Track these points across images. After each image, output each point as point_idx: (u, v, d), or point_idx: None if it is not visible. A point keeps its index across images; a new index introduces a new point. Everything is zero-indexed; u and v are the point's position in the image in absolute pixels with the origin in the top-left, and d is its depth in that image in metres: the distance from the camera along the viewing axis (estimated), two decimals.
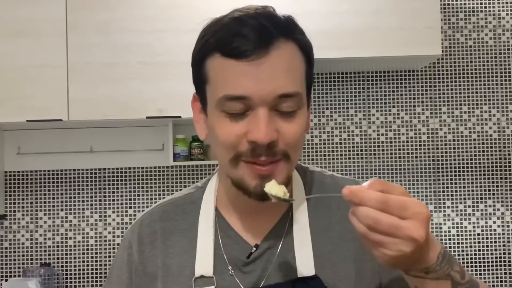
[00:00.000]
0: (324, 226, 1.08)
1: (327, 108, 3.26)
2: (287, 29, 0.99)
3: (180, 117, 2.82)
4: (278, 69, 0.96)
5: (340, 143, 3.26)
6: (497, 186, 3.25)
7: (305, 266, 1.03)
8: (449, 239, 3.23)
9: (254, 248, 1.05)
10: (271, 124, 0.95)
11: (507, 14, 3.29)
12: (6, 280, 2.99)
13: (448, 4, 3.28)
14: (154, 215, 1.14)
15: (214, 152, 1.05)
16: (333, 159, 3.25)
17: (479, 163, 3.26)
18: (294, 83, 0.98)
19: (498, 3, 3.29)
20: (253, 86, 0.94)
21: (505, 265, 3.22)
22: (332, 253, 1.06)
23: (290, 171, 1.02)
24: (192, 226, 1.09)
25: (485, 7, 3.29)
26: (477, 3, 3.29)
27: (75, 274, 3.20)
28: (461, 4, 3.29)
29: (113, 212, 3.23)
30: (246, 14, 0.98)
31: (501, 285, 3.21)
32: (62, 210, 3.23)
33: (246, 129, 0.95)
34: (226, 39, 0.96)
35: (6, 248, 3.19)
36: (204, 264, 1.05)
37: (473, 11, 3.29)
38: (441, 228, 3.24)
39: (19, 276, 3.15)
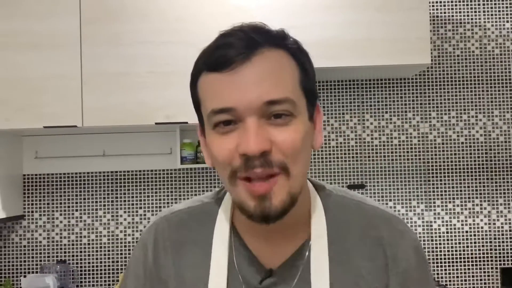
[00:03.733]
0: (343, 259, 0.98)
1: (324, 114, 3.25)
2: (274, 38, 0.91)
3: (186, 122, 2.83)
4: (263, 75, 0.87)
5: (336, 147, 3.29)
6: (483, 186, 3.27)
7: None
8: (439, 236, 3.25)
9: (269, 272, 0.97)
10: (261, 133, 0.85)
11: (492, 25, 3.32)
12: (25, 276, 3.01)
13: (437, 16, 3.31)
14: (170, 221, 1.05)
15: (218, 174, 0.95)
16: (329, 161, 3.28)
17: (467, 165, 3.28)
18: (282, 89, 0.88)
19: (484, 15, 3.32)
20: (238, 96, 0.86)
21: (491, 261, 3.24)
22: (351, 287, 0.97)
23: (293, 190, 0.89)
24: (207, 238, 1.00)
25: (472, 19, 3.33)
26: (464, 15, 3.32)
27: (89, 270, 3.23)
28: (449, 16, 3.33)
29: (125, 212, 3.26)
30: (233, 28, 0.91)
31: (488, 280, 3.23)
32: (77, 210, 3.25)
33: (237, 142, 0.87)
34: (211, 53, 0.90)
35: (24, 246, 3.22)
36: (217, 279, 0.97)
37: (460, 23, 3.33)
38: (431, 226, 3.26)
39: (36, 272, 3.17)
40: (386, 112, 3.30)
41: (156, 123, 2.88)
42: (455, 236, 3.26)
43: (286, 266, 0.97)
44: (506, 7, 3.33)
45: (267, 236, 0.98)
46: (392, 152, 3.29)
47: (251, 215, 0.89)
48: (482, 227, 3.27)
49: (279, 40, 0.92)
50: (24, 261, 3.23)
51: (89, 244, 3.25)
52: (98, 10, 2.91)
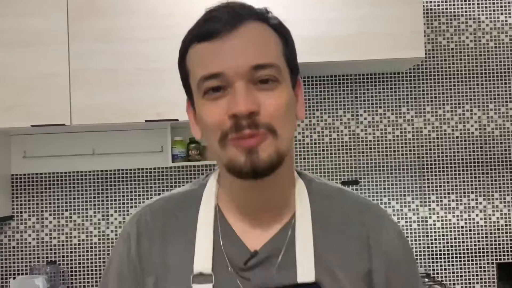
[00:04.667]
0: (326, 238, 1.02)
1: (317, 110, 3.27)
2: (257, 13, 0.98)
3: (177, 120, 2.83)
4: (249, 43, 0.94)
5: (330, 143, 3.27)
6: (479, 181, 3.26)
7: (306, 273, 0.97)
8: (434, 232, 3.24)
9: (253, 254, 0.99)
10: (249, 96, 0.91)
11: (486, 18, 3.31)
12: (14, 278, 2.98)
13: (431, 9, 3.29)
14: (153, 210, 1.07)
15: (208, 144, 0.99)
16: (323, 157, 3.26)
17: (462, 159, 3.27)
18: (267, 55, 0.94)
19: (478, 7, 3.31)
20: (226, 62, 0.92)
21: (487, 255, 3.24)
22: (334, 267, 0.99)
23: (280, 148, 0.94)
24: (192, 224, 1.02)
25: (466, 12, 3.31)
26: (458, 8, 3.31)
27: (79, 271, 3.20)
28: (443, 9, 3.30)
29: (115, 211, 3.24)
30: (219, 5, 0.97)
31: (485, 275, 3.23)
32: (66, 210, 3.23)
33: (227, 105, 0.92)
34: (199, 26, 0.96)
35: (13, 247, 3.19)
36: (202, 261, 0.98)
37: (454, 16, 3.31)
38: (426, 221, 3.25)
39: (26, 274, 3.14)
40: (380, 107, 3.29)
41: (146, 121, 2.88)
42: (450, 231, 3.26)
43: (269, 246, 1.00)
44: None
45: (252, 216, 1.01)
46: (386, 148, 3.28)
47: (241, 170, 0.93)
48: (477, 222, 3.26)
49: (262, 15, 0.98)
50: (14, 263, 3.20)
51: (79, 244, 3.22)
52: (85, 7, 2.89)
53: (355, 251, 1.01)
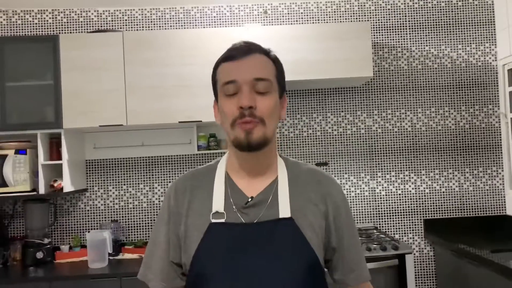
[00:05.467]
0: (297, 191, 1.11)
1: (298, 113, 3.31)
2: (262, 49, 1.09)
3: (201, 121, 2.85)
4: (254, 65, 1.05)
5: (307, 136, 3.31)
6: (411, 162, 3.31)
7: (285, 212, 1.07)
8: (380, 198, 3.29)
9: (250, 199, 1.08)
10: (251, 96, 1.02)
11: (416, 48, 3.35)
12: (89, 232, 3.03)
13: (377, 42, 3.34)
14: (186, 176, 1.17)
15: (223, 126, 1.09)
16: (302, 147, 3.30)
17: (399, 147, 3.32)
18: (265, 73, 1.05)
19: (410, 41, 3.35)
20: (239, 74, 1.04)
21: (417, 214, 3.29)
22: (302, 208, 1.08)
23: (267, 133, 1.05)
24: (210, 183, 1.12)
25: (401, 44, 3.36)
26: (395, 42, 3.35)
27: (134, 226, 3.25)
28: (385, 42, 3.35)
29: (158, 185, 3.28)
30: (239, 42, 1.10)
31: (415, 227, 3.28)
32: (124, 184, 3.27)
33: (237, 102, 1.03)
34: (226, 53, 1.09)
35: (88, 210, 3.24)
36: (218, 204, 1.08)
37: (393, 47, 3.36)
38: (374, 190, 3.30)
39: (97, 229, 3.20)
40: (342, 111, 3.33)
41: (179, 122, 2.89)
42: (391, 197, 3.30)
43: (261, 194, 1.09)
44: (426, 35, 3.35)
45: (249, 176, 1.11)
46: (346, 139, 3.32)
47: (241, 143, 1.04)
48: (410, 191, 3.31)
49: (265, 51, 1.10)
50: (88, 221, 3.24)
51: (133, 208, 3.27)
52: (135, 42, 2.92)
53: (316, 199, 1.11)
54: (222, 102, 1.06)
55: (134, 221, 3.25)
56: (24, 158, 2.87)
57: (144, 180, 3.27)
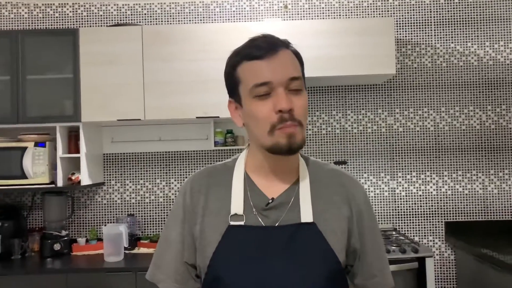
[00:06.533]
0: (319, 194, 1.06)
1: (317, 110, 3.28)
2: (285, 43, 1.03)
3: (218, 117, 2.84)
4: (287, 62, 0.99)
5: (326, 134, 3.27)
6: (433, 162, 3.24)
7: (307, 216, 1.02)
8: (400, 199, 3.24)
9: (271, 200, 1.04)
10: (288, 98, 0.96)
11: (440, 45, 3.27)
12: (105, 225, 3.07)
13: (400, 39, 3.27)
14: (202, 173, 1.12)
15: (252, 131, 1.02)
16: (321, 145, 3.27)
17: (421, 147, 3.25)
18: (297, 71, 1.00)
19: (435, 37, 3.28)
20: (272, 75, 0.97)
21: (438, 216, 3.23)
22: (325, 212, 1.04)
23: (303, 136, 1.01)
24: (228, 182, 1.07)
25: (425, 41, 3.28)
26: (419, 38, 3.28)
27: (150, 221, 3.27)
28: (408, 39, 3.28)
29: (175, 180, 3.29)
30: (258, 36, 1.03)
31: (435, 229, 3.21)
32: (141, 179, 3.29)
33: (273, 105, 0.96)
34: (250, 50, 1.00)
35: (105, 204, 3.28)
36: (237, 206, 1.03)
37: (417, 44, 3.29)
38: (394, 191, 3.25)
39: (113, 222, 3.23)
40: (363, 109, 3.28)
41: (197, 117, 2.89)
42: (412, 198, 3.24)
43: (282, 196, 1.04)
44: (451, 31, 3.27)
45: (270, 177, 1.06)
46: (366, 138, 3.27)
47: (282, 148, 0.98)
48: (431, 192, 3.24)
49: (287, 45, 1.04)
50: (105, 215, 3.28)
51: (150, 202, 3.28)
52: (154, 37, 2.92)
53: (338, 202, 1.06)
54: (252, 106, 0.99)
55: (150, 216, 3.27)
56: (43, 151, 2.91)
57: (160, 175, 3.28)
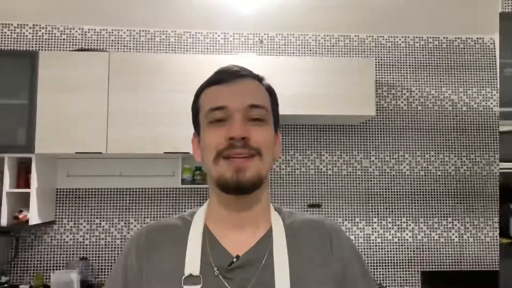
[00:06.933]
0: (298, 250, 0.89)
1: (291, 149, 3.15)
2: (255, 75, 0.94)
3: (188, 153, 2.66)
4: (248, 90, 0.89)
5: (300, 175, 3.14)
6: (409, 208, 3.16)
7: (282, 281, 0.84)
8: (375, 245, 3.11)
9: (235, 259, 0.86)
10: (244, 126, 0.85)
11: (416, 88, 3.26)
12: (53, 271, 2.74)
13: (376, 81, 3.23)
14: (151, 228, 0.94)
15: (204, 163, 0.90)
16: (294, 186, 3.12)
17: (397, 191, 3.17)
18: (260, 100, 0.89)
19: (410, 80, 3.26)
20: (230, 100, 0.86)
21: (414, 265, 3.11)
22: (304, 274, 0.87)
23: (262, 170, 0.86)
24: (183, 237, 0.90)
25: (401, 83, 3.26)
26: (395, 80, 3.25)
27: (104, 266, 2.97)
28: (384, 81, 3.25)
29: (135, 220, 3.03)
30: (228, 65, 0.94)
31: (411, 279, 3.09)
32: (97, 218, 3.01)
33: (226, 132, 0.84)
34: (212, 77, 0.92)
35: (54, 245, 2.95)
36: (192, 265, 0.86)
37: (392, 86, 3.26)
38: (369, 237, 3.12)
39: (63, 267, 2.90)
40: (338, 150, 3.17)
41: (165, 152, 2.70)
42: (387, 245, 3.12)
43: (250, 253, 0.88)
44: (426, 75, 3.27)
45: (235, 229, 0.90)
46: (341, 180, 3.15)
47: (228, 184, 0.85)
48: (407, 240, 3.13)
49: (258, 77, 0.94)
50: (54, 258, 2.94)
51: (105, 245, 2.99)
52: (122, 64, 2.74)
53: (320, 259, 0.90)
54: (205, 133, 0.88)
55: (105, 260, 2.97)
56: None
57: (119, 214, 3.01)
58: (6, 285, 2.66)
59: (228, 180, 0.84)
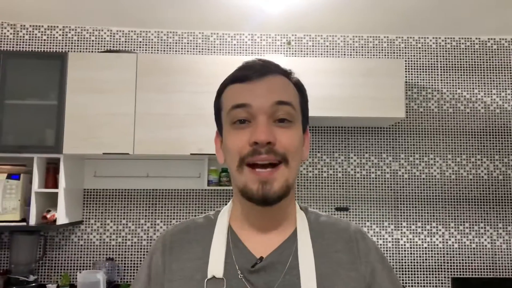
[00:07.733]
0: (324, 252, 0.86)
1: (319, 151, 3.10)
2: (282, 70, 0.88)
3: (214, 154, 2.63)
4: (274, 86, 0.83)
5: (327, 178, 3.09)
6: (439, 212, 3.07)
7: (309, 285, 0.81)
8: (404, 251, 3.04)
9: (259, 260, 0.83)
10: (269, 129, 0.79)
11: (447, 90, 3.18)
12: (80, 271, 2.75)
13: (406, 82, 3.16)
14: (177, 228, 0.93)
15: (229, 167, 0.85)
16: (322, 188, 3.07)
17: (427, 195, 3.09)
18: (288, 96, 0.83)
19: (441, 82, 3.18)
20: (253, 97, 0.81)
21: (444, 271, 3.03)
22: (332, 275, 0.84)
23: (290, 179, 0.81)
24: (208, 238, 0.88)
25: (432, 85, 3.18)
26: (425, 82, 3.18)
27: (130, 266, 2.97)
28: (414, 82, 3.18)
29: (161, 221, 3.03)
30: (253, 59, 0.88)
31: (441, 285, 3.01)
32: (124, 218, 3.02)
33: (249, 135, 0.79)
34: (236, 73, 0.86)
35: (81, 245, 2.97)
36: (215, 267, 0.83)
37: (423, 88, 3.18)
38: (398, 242, 3.05)
39: (89, 267, 2.92)
40: (366, 152, 3.11)
41: (191, 154, 2.68)
42: (416, 250, 3.04)
43: (273, 255, 0.84)
44: (458, 77, 3.18)
45: (259, 232, 0.87)
46: (370, 183, 3.09)
47: (253, 196, 0.80)
48: (437, 245, 3.05)
49: (285, 72, 0.88)
50: (80, 258, 2.96)
51: (132, 245, 3.00)
52: (150, 66, 2.74)
53: (347, 262, 0.86)
54: (227, 135, 0.83)
55: (131, 260, 2.97)
56: (16, 184, 2.62)
57: (145, 215, 3.01)
58: (34, 284, 2.68)
59: (254, 192, 0.80)
